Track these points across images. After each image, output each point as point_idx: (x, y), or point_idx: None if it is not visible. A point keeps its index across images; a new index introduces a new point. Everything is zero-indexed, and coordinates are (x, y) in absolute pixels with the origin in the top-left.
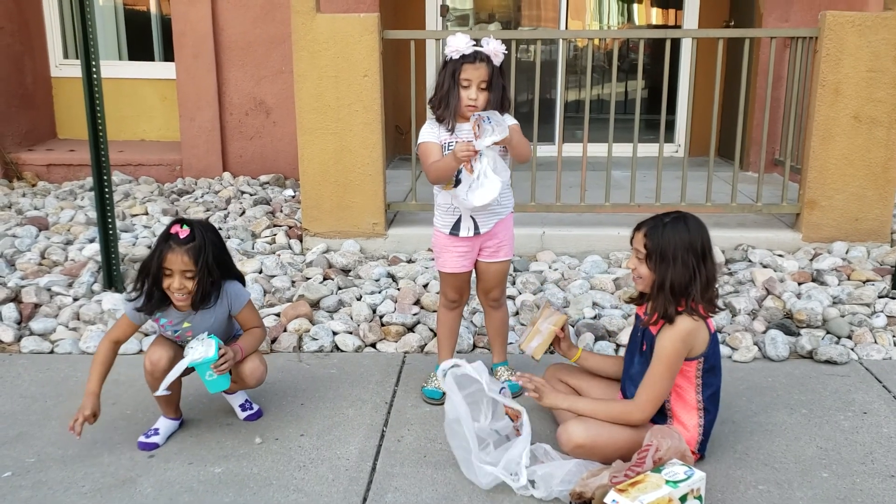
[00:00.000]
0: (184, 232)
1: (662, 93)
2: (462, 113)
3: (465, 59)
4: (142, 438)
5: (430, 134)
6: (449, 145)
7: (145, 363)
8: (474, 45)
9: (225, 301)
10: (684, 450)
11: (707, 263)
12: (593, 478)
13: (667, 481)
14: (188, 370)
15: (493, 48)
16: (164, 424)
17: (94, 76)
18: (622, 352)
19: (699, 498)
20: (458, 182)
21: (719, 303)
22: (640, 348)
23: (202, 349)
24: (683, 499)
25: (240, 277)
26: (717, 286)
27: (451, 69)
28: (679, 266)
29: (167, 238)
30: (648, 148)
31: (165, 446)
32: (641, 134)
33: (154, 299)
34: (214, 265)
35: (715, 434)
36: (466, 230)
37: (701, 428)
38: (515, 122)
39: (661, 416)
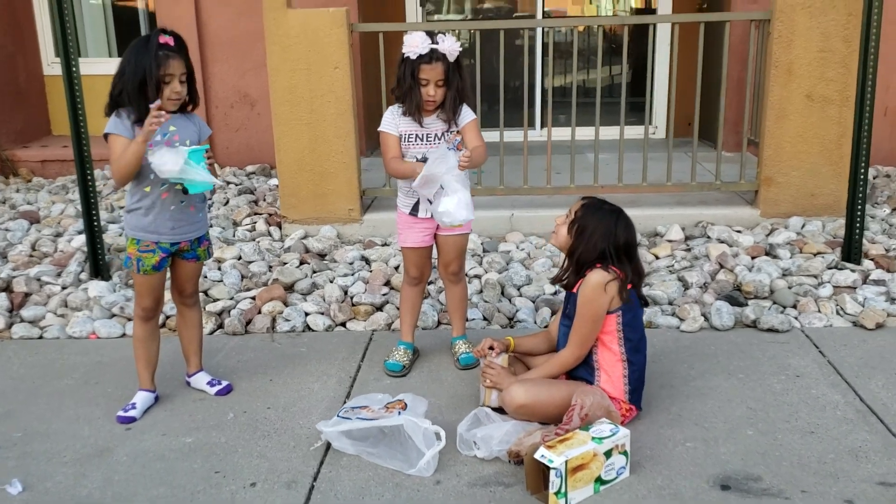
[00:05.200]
0: (172, 39)
1: (622, 77)
2: (424, 108)
3: (421, 59)
4: (120, 413)
5: (390, 124)
6: (409, 136)
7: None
8: (431, 44)
9: (196, 123)
10: (608, 405)
11: (631, 260)
12: (528, 437)
13: (593, 437)
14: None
15: (449, 46)
16: (142, 399)
17: (74, 72)
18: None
19: (624, 453)
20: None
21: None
22: (565, 312)
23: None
24: (608, 454)
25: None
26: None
27: (409, 68)
28: (591, 246)
29: (160, 48)
30: (615, 131)
31: (142, 420)
32: (609, 117)
33: (141, 110)
34: None
35: (652, 397)
36: (424, 211)
37: (626, 378)
38: (474, 116)
39: (589, 367)
